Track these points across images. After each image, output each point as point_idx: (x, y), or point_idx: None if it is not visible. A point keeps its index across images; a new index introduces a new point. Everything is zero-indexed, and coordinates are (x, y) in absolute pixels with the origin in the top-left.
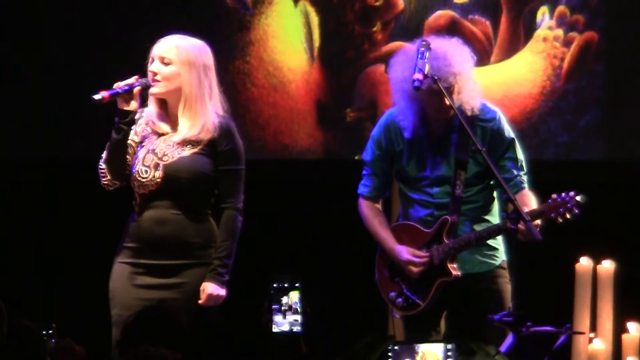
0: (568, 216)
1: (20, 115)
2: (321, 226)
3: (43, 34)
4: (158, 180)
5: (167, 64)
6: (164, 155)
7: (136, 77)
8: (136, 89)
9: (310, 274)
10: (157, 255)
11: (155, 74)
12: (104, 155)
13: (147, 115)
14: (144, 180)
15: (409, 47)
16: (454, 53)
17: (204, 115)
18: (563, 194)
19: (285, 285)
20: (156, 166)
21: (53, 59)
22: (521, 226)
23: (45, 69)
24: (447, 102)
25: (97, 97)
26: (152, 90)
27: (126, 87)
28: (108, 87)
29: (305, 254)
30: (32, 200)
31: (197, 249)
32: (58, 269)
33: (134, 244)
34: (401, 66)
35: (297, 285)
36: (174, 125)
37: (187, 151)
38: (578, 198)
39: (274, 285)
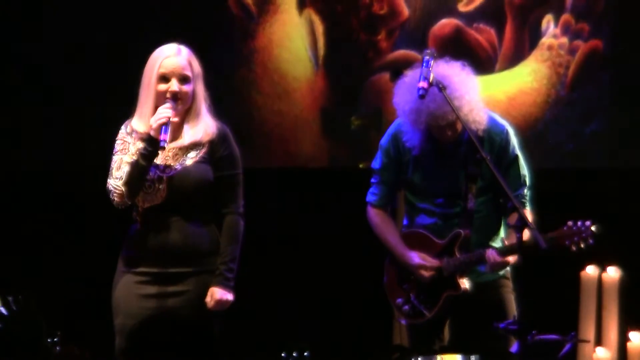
0: (582, 245)
1: (23, 124)
2: (326, 233)
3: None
4: (163, 193)
5: (186, 81)
6: (166, 167)
7: (167, 106)
8: (172, 119)
9: (316, 281)
10: (161, 263)
11: (176, 92)
12: (123, 176)
13: (138, 131)
14: (148, 194)
15: (411, 74)
16: (458, 79)
17: (205, 118)
18: (579, 223)
19: (294, 354)
20: (160, 179)
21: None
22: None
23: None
24: (449, 133)
25: (163, 144)
26: (175, 109)
27: (167, 120)
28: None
29: (310, 261)
30: (34, 208)
31: (202, 256)
32: (60, 277)
33: (138, 253)
34: (404, 92)
35: (305, 355)
36: (171, 136)
37: (189, 160)
38: (593, 228)
39: (283, 355)
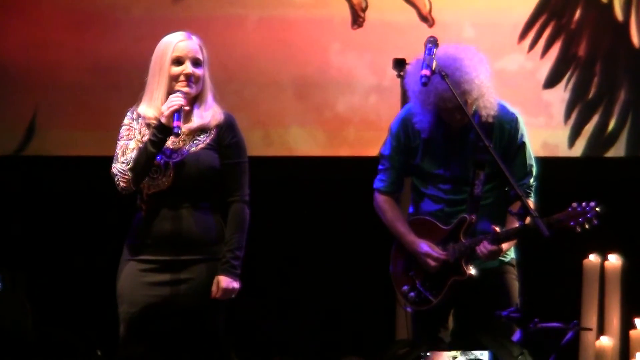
0: (587, 226)
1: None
2: (328, 222)
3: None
4: (169, 179)
5: (198, 65)
6: (172, 153)
7: (178, 94)
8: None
9: (317, 270)
10: (167, 251)
11: (191, 74)
12: (130, 162)
13: (147, 116)
14: (154, 180)
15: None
16: (470, 63)
17: (212, 104)
18: (583, 204)
19: None
20: (166, 165)
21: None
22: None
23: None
24: (458, 116)
25: (177, 131)
26: (187, 92)
27: (179, 107)
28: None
29: (313, 252)
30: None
31: (208, 244)
32: (65, 266)
33: (144, 241)
34: (415, 72)
35: None
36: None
37: (195, 147)
38: (598, 209)
39: None
